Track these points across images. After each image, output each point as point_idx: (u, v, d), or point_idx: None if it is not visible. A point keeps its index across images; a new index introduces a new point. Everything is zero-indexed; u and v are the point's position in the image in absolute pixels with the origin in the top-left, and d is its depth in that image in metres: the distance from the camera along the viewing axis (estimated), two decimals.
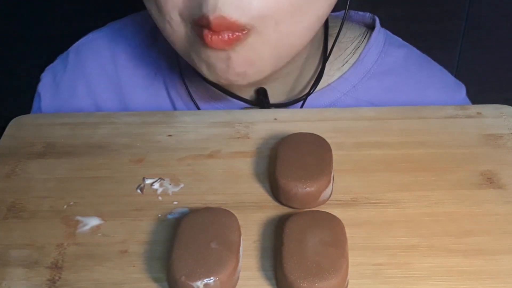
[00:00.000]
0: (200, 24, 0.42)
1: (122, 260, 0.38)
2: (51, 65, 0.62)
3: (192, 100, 0.56)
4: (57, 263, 0.38)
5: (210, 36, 0.42)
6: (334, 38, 0.54)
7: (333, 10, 0.47)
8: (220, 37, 0.42)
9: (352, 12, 0.60)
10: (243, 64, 0.44)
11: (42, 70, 0.62)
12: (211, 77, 0.46)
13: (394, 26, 0.61)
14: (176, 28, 0.45)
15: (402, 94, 0.57)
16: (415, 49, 0.62)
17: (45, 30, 1.09)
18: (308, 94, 0.54)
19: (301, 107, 0.55)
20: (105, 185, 0.43)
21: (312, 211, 0.39)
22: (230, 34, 0.42)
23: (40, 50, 0.90)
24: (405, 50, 0.60)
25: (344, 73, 0.57)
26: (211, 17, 0.41)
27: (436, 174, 0.43)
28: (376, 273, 0.37)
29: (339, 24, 0.54)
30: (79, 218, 0.41)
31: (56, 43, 0.63)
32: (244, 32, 0.42)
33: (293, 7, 0.42)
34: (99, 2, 1.04)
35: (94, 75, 0.60)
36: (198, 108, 0.56)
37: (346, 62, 0.57)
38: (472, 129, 0.47)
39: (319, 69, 0.55)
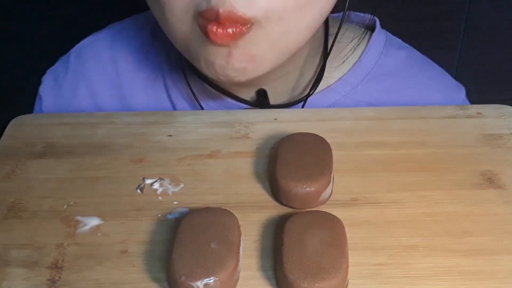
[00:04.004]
0: (206, 17, 0.42)
1: (122, 260, 0.38)
2: (52, 67, 0.62)
3: (195, 99, 0.55)
4: (57, 263, 0.38)
5: (215, 29, 0.42)
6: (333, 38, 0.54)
7: (334, 11, 0.47)
8: (225, 31, 0.42)
9: (352, 14, 0.60)
10: (243, 60, 0.44)
11: (42, 70, 0.62)
12: (209, 74, 0.46)
13: (394, 26, 0.61)
14: (177, 23, 0.44)
15: (402, 95, 0.57)
16: (415, 50, 0.62)
17: (45, 30, 1.09)
18: (308, 95, 0.54)
19: (302, 108, 0.55)
20: (105, 185, 0.43)
21: (312, 211, 0.39)
22: (235, 29, 0.42)
23: (41, 50, 0.91)
24: (405, 51, 0.60)
25: (343, 75, 0.57)
26: (221, 10, 0.41)
27: (436, 174, 0.43)
28: (376, 273, 0.37)
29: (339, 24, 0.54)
30: (79, 218, 0.41)
31: (56, 43, 0.63)
32: (247, 26, 0.42)
33: (299, 3, 0.42)
34: (100, 2, 1.04)
35: (95, 77, 0.60)
36: (201, 107, 0.56)
37: (345, 61, 0.57)
38: (472, 129, 0.47)
39: (319, 69, 0.55)
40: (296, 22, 0.44)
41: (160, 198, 0.42)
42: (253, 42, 0.43)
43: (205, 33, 0.43)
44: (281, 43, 0.45)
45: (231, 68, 0.45)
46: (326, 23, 0.55)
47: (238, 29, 0.42)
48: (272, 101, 0.54)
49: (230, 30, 0.42)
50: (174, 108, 0.58)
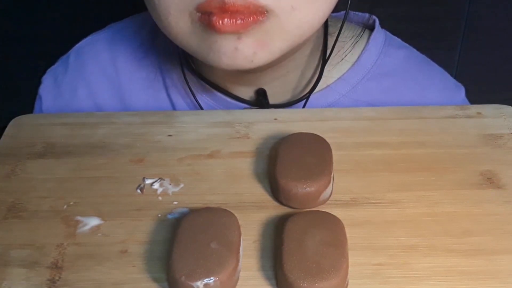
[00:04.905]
0: (207, 10, 0.41)
1: (122, 260, 0.38)
2: (52, 67, 0.62)
3: (195, 98, 0.55)
4: (57, 263, 0.38)
5: (220, 21, 0.40)
6: (333, 37, 0.54)
7: (334, 11, 0.47)
8: (232, 20, 0.40)
9: (352, 13, 0.59)
10: (253, 45, 0.43)
11: (42, 70, 0.62)
12: (215, 62, 0.44)
13: (394, 26, 0.61)
14: (176, 20, 0.44)
15: (401, 95, 0.57)
16: (414, 50, 0.62)
17: (45, 31, 1.09)
18: (308, 94, 0.54)
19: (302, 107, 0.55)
20: (105, 185, 0.43)
21: (312, 211, 0.39)
22: (245, 18, 0.41)
23: (41, 50, 0.91)
24: (404, 51, 0.60)
25: (343, 74, 0.57)
26: None
27: (436, 174, 0.43)
28: (376, 273, 0.37)
29: (338, 24, 0.54)
30: (79, 218, 0.41)
31: (56, 43, 0.63)
32: (263, 16, 0.41)
33: None
34: (100, 2, 1.05)
35: (95, 77, 0.60)
36: (201, 107, 0.56)
37: (344, 59, 0.57)
38: (472, 129, 0.47)
39: (318, 69, 0.55)
40: (308, 14, 0.43)
41: (160, 198, 0.42)
42: (266, 32, 0.42)
43: (210, 26, 0.41)
44: (294, 36, 0.44)
45: (240, 56, 0.43)
46: (325, 22, 0.55)
47: (251, 19, 0.41)
48: (271, 100, 0.54)
49: (237, 21, 0.41)
50: (174, 108, 0.58)
